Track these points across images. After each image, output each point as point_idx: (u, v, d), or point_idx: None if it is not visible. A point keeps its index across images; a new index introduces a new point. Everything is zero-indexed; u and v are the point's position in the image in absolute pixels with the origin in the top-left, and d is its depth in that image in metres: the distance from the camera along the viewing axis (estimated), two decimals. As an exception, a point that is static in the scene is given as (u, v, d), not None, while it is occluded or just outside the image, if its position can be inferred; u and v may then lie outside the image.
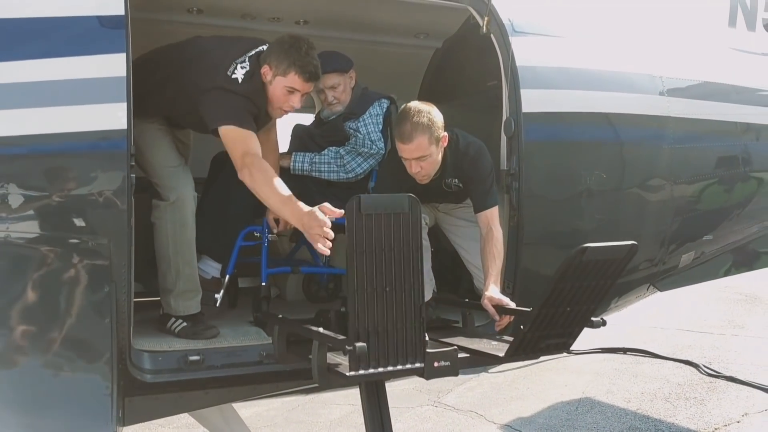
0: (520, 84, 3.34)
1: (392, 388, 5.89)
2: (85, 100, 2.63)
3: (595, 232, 3.48)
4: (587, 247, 2.36)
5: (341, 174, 3.67)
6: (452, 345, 2.61)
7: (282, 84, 3.09)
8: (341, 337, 2.43)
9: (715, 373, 5.84)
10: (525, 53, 3.41)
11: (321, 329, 2.57)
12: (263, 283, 3.45)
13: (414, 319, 2.39)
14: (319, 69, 3.17)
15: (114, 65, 2.66)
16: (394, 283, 2.35)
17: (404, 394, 5.99)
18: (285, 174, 3.62)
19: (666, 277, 4.01)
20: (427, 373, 2.45)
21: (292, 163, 3.66)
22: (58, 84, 2.60)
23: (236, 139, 3.00)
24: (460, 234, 3.73)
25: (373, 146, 3.63)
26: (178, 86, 3.15)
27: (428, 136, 3.15)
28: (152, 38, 3.64)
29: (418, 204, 2.41)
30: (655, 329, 7.52)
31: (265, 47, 3.19)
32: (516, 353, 2.60)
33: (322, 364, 2.48)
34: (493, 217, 3.31)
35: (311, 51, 3.12)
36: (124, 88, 2.65)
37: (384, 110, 3.74)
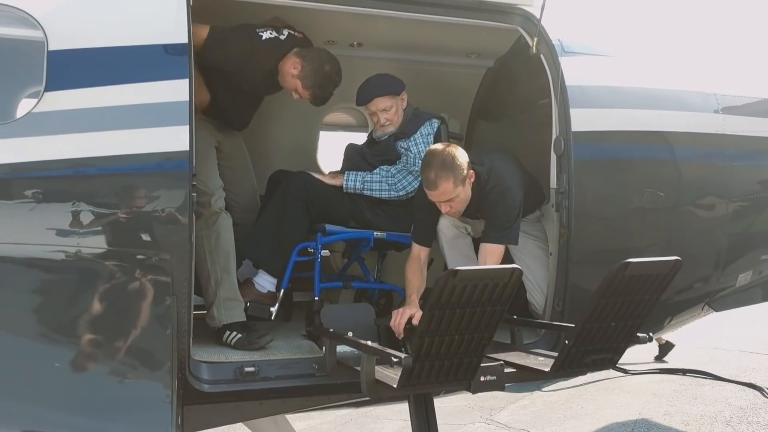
0: (570, 103, 3.36)
1: (444, 404, 5.95)
2: (152, 123, 2.79)
3: (646, 251, 3.44)
4: (630, 262, 2.37)
5: (392, 192, 3.76)
6: (499, 360, 2.64)
7: (295, 84, 3.61)
8: (389, 350, 2.49)
9: (780, 397, 5.65)
10: (574, 73, 3.43)
11: (369, 342, 2.64)
12: (316, 298, 3.55)
13: (474, 353, 2.42)
14: (327, 99, 3.73)
15: (178, 90, 2.82)
16: (468, 329, 2.34)
17: (456, 410, 5.99)
18: (338, 192, 3.74)
19: (722, 297, 3.93)
20: (474, 387, 2.50)
21: (344, 182, 3.77)
22: (127, 109, 2.78)
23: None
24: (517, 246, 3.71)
25: (403, 183, 3.74)
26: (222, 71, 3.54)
27: (453, 180, 3.24)
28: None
29: (520, 273, 2.33)
30: (717, 350, 7.31)
31: (293, 31, 3.69)
32: (561, 368, 2.61)
33: (370, 377, 2.55)
34: (489, 253, 3.33)
35: (331, 86, 3.66)
36: (187, 111, 2.81)
37: (434, 130, 3.82)
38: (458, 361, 2.39)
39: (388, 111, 3.79)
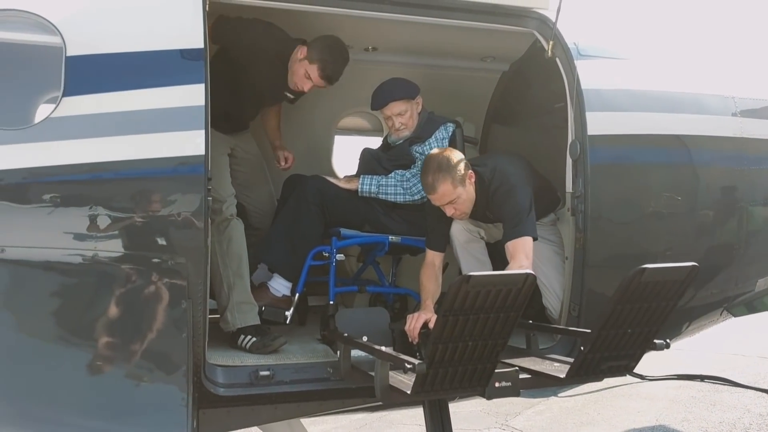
0: (586, 107, 3.35)
1: (459, 409, 5.92)
2: (168, 127, 2.81)
3: (663, 255, 3.42)
4: (646, 268, 2.35)
5: (407, 196, 3.75)
6: (514, 366, 2.63)
7: (305, 67, 3.61)
8: (403, 356, 2.48)
9: (800, 404, 5.57)
10: (590, 76, 3.42)
11: (383, 348, 2.64)
12: (331, 302, 3.55)
13: (488, 359, 2.40)
14: (337, 76, 3.67)
15: (194, 95, 2.84)
16: (482, 335, 2.32)
17: (472, 416, 5.97)
18: (353, 196, 3.74)
19: (741, 303, 3.89)
20: (488, 394, 2.49)
21: (360, 186, 3.77)
22: (144, 113, 2.80)
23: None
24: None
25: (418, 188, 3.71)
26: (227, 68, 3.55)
27: (450, 181, 3.27)
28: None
29: (534, 279, 2.32)
30: (735, 356, 7.23)
31: None
32: (577, 374, 2.59)
33: (384, 382, 2.54)
34: (516, 248, 3.24)
35: (342, 59, 3.66)
36: (203, 116, 2.83)
37: (449, 134, 3.81)
38: (472, 367, 2.38)
39: (403, 115, 3.80)
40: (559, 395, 6.35)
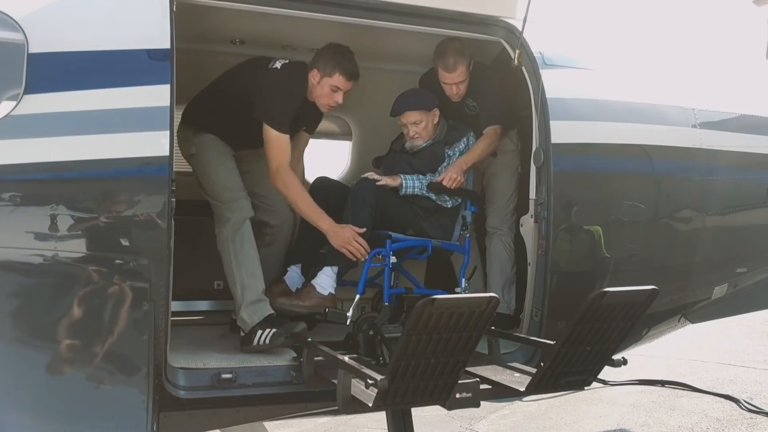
0: (550, 115, 3.40)
1: (424, 413, 5.92)
2: (132, 128, 2.79)
3: (623, 262, 3.50)
4: (607, 291, 2.41)
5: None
6: (475, 376, 2.66)
7: (328, 83, 3.62)
8: (365, 370, 2.48)
9: (756, 409, 5.68)
10: (555, 85, 3.48)
11: (347, 358, 2.64)
12: (386, 303, 3.61)
13: (450, 375, 2.43)
14: (358, 69, 3.68)
15: (159, 96, 2.82)
16: (444, 353, 2.36)
17: (437, 419, 5.99)
18: (402, 200, 3.84)
19: (698, 309, 3.98)
20: (449, 405, 2.51)
21: (403, 183, 3.84)
22: (108, 113, 2.78)
23: (277, 144, 3.50)
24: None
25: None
26: (237, 103, 3.55)
27: (466, 64, 3.86)
28: (197, 68, 3.83)
29: (497, 302, 2.36)
30: (696, 362, 7.38)
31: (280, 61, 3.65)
32: (537, 388, 2.66)
33: (346, 393, 2.55)
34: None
35: (351, 55, 3.66)
36: (168, 117, 2.81)
37: (469, 141, 4.02)
38: (434, 382, 2.41)
39: (418, 125, 3.91)
40: (523, 400, 6.41)
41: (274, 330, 3.26)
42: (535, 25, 3.58)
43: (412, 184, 3.87)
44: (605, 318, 2.48)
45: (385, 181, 3.83)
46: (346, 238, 3.53)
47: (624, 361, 2.73)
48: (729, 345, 7.82)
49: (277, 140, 3.49)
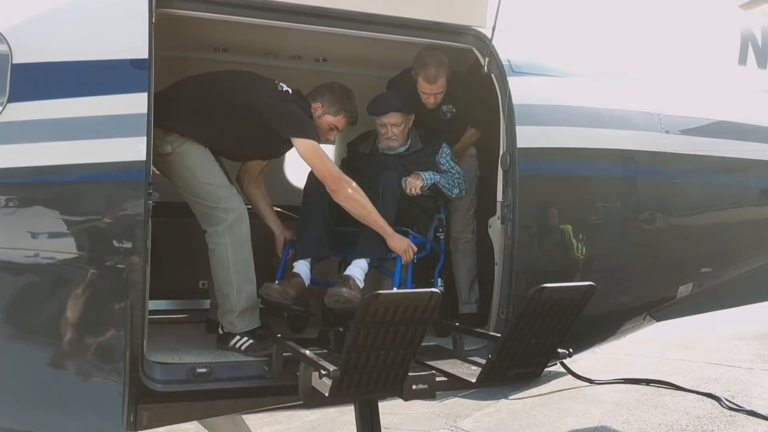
0: (516, 121, 3.53)
1: (410, 410, 6.06)
2: (111, 134, 2.93)
3: (586, 263, 3.61)
4: (545, 287, 2.54)
5: (463, 192, 4.04)
6: (431, 368, 2.79)
7: (329, 121, 3.71)
8: (322, 362, 2.62)
9: (736, 407, 5.78)
10: (522, 92, 3.60)
11: (308, 352, 2.78)
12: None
13: (400, 366, 2.56)
14: (357, 114, 3.78)
15: (137, 103, 2.96)
16: (393, 345, 2.48)
17: (423, 417, 6.11)
18: (415, 198, 3.87)
19: (663, 308, 4.09)
20: (405, 395, 2.64)
21: (424, 180, 3.88)
22: (88, 120, 2.91)
23: (320, 153, 3.49)
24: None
25: (464, 184, 4.05)
26: (226, 114, 3.48)
27: (447, 75, 3.95)
28: (180, 75, 3.96)
29: (439, 296, 2.48)
30: (682, 362, 7.47)
31: (283, 84, 3.60)
32: (486, 380, 2.78)
33: (307, 384, 2.69)
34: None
35: (354, 101, 3.76)
36: (145, 123, 2.95)
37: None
38: (385, 373, 2.54)
39: (398, 126, 3.95)
40: (509, 398, 6.54)
41: (251, 341, 3.33)
42: (506, 34, 3.68)
43: (431, 179, 3.90)
44: (546, 312, 2.61)
45: (411, 178, 3.87)
46: (407, 242, 3.63)
47: (569, 354, 2.84)
48: (717, 345, 7.90)
49: (319, 150, 3.48)
